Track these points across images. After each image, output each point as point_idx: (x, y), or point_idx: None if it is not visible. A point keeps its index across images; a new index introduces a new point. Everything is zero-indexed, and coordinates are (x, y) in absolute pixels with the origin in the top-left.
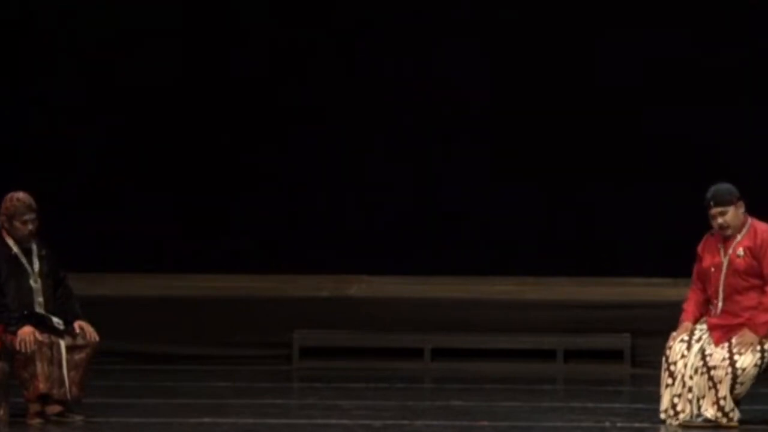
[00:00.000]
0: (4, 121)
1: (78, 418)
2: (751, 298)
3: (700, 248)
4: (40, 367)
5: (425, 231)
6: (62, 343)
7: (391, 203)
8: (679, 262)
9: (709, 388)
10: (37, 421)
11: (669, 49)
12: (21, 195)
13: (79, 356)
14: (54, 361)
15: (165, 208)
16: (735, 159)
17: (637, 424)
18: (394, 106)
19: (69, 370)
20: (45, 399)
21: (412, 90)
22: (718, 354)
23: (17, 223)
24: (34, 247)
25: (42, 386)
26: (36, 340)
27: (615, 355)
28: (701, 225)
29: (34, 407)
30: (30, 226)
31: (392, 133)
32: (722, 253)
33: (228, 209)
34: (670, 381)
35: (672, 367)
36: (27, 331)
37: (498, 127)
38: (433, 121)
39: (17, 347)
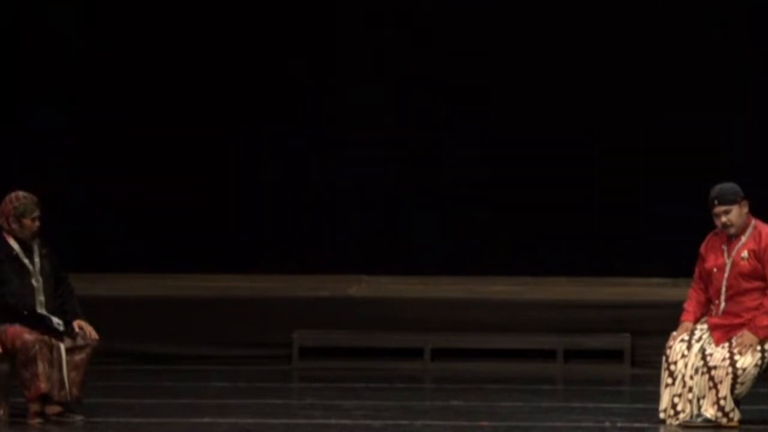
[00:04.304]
0: (2, 121)
1: (78, 418)
2: (753, 299)
3: (702, 248)
4: (42, 367)
5: (425, 231)
6: (62, 347)
7: (390, 203)
8: (679, 262)
9: (710, 388)
10: (37, 421)
11: (670, 55)
12: (23, 193)
13: (79, 357)
14: (54, 363)
15: (165, 208)
16: (736, 159)
17: (637, 424)
18: (393, 105)
19: (69, 371)
20: (45, 399)
21: (411, 90)
22: (718, 354)
23: (27, 221)
24: (36, 246)
25: (43, 386)
26: (31, 340)
27: (615, 355)
28: (701, 225)
29: (34, 407)
30: (37, 223)
31: (392, 133)
32: (726, 254)
33: (228, 209)
34: (670, 381)
35: (672, 367)
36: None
37: (496, 128)
38: (432, 122)
39: (16, 346)
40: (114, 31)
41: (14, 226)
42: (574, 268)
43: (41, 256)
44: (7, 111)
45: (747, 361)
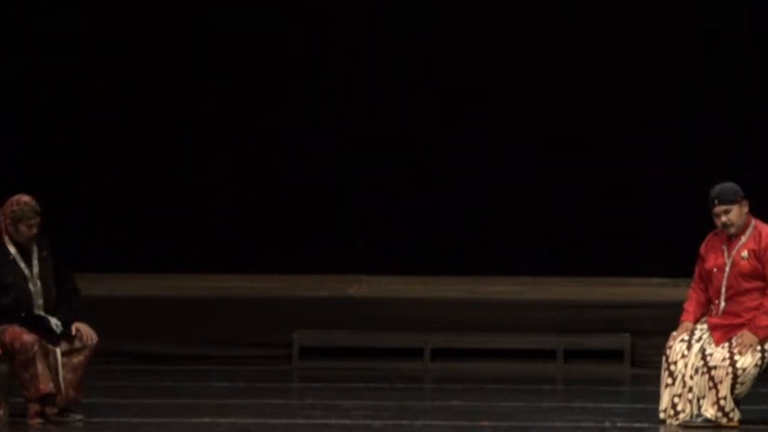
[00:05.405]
0: (5, 123)
1: (78, 418)
2: (753, 299)
3: (702, 248)
4: (42, 368)
5: (425, 231)
6: (58, 351)
7: (391, 203)
8: (679, 262)
9: (710, 388)
10: (37, 421)
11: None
12: (27, 198)
13: (77, 359)
14: (51, 368)
15: (165, 208)
16: (735, 159)
17: (637, 424)
18: (394, 105)
19: (66, 374)
20: (45, 399)
21: (412, 89)
22: (718, 354)
23: (23, 227)
24: (34, 249)
25: (43, 387)
26: (30, 340)
27: (615, 355)
28: (701, 225)
29: (34, 407)
30: (34, 230)
31: (392, 133)
32: (726, 254)
33: (228, 209)
34: (670, 381)
35: (672, 367)
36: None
37: (497, 127)
38: (432, 121)
39: (15, 347)
40: (114, 30)
41: (11, 228)
42: (574, 268)
43: (40, 259)
44: (8, 110)
45: (747, 361)
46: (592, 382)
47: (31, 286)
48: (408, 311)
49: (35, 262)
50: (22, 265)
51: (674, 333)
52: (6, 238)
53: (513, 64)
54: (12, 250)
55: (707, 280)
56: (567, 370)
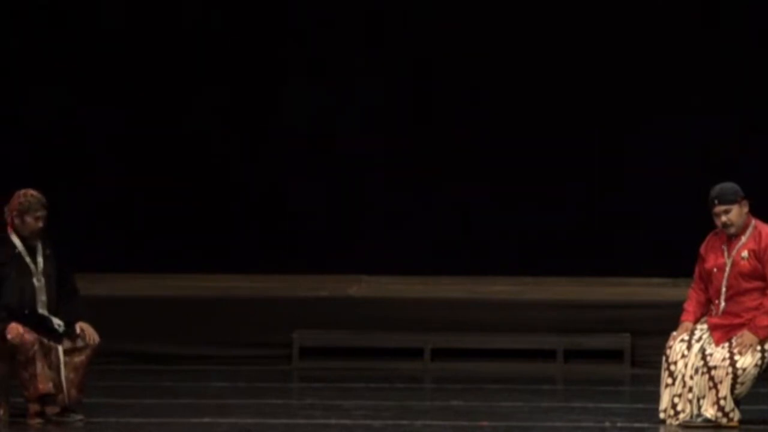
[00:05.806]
0: (6, 123)
1: (78, 417)
2: (753, 299)
3: (702, 248)
4: (41, 368)
5: (425, 231)
6: (60, 349)
7: (391, 203)
8: (679, 262)
9: (710, 388)
10: (37, 421)
11: (655, 56)
12: (34, 191)
13: (79, 358)
14: (52, 366)
15: (165, 208)
16: (735, 159)
17: (637, 424)
18: (393, 105)
19: (68, 373)
20: (45, 399)
21: (411, 89)
22: (718, 354)
23: (29, 218)
24: (39, 246)
25: (42, 386)
26: (31, 340)
27: (615, 355)
28: (701, 225)
29: (34, 407)
30: (40, 223)
31: (392, 133)
32: (726, 254)
33: (228, 209)
34: (670, 381)
35: (672, 367)
36: (14, 328)
37: (496, 128)
38: (431, 122)
39: (14, 343)
40: (114, 30)
41: (17, 221)
42: (574, 268)
43: (44, 257)
44: (7, 111)
45: (747, 361)
46: (592, 382)
47: (35, 281)
48: (408, 311)
49: (40, 259)
50: (28, 260)
51: (674, 333)
52: (12, 233)
53: (513, 63)
54: (18, 244)
55: (707, 280)
56: (567, 370)
